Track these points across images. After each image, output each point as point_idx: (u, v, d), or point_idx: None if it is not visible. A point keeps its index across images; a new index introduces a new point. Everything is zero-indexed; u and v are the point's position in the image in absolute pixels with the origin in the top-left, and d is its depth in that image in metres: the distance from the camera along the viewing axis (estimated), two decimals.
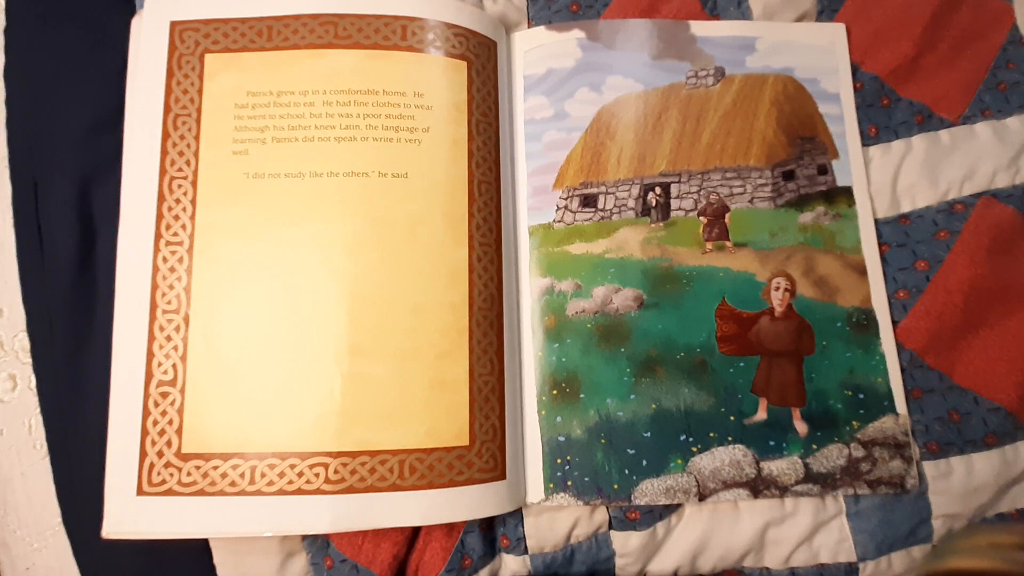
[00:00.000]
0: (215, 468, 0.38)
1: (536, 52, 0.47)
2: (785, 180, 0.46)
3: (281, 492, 0.38)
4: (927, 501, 0.43)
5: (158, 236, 0.41)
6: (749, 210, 0.46)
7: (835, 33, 0.49)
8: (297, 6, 0.43)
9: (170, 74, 0.43)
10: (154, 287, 0.40)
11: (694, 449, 0.42)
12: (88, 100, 0.44)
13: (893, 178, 0.47)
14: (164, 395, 0.39)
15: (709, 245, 0.45)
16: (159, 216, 0.41)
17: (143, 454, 0.38)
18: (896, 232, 0.46)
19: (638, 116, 0.47)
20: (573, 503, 0.41)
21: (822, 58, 0.48)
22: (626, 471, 0.41)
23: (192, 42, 0.43)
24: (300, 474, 0.38)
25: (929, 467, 0.43)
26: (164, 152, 0.42)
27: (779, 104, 0.47)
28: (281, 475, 0.38)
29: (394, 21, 0.44)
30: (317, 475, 0.38)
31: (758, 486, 0.42)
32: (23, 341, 0.42)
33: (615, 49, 0.47)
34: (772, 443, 0.42)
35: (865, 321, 0.44)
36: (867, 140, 0.48)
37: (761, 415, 0.43)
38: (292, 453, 0.38)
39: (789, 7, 0.49)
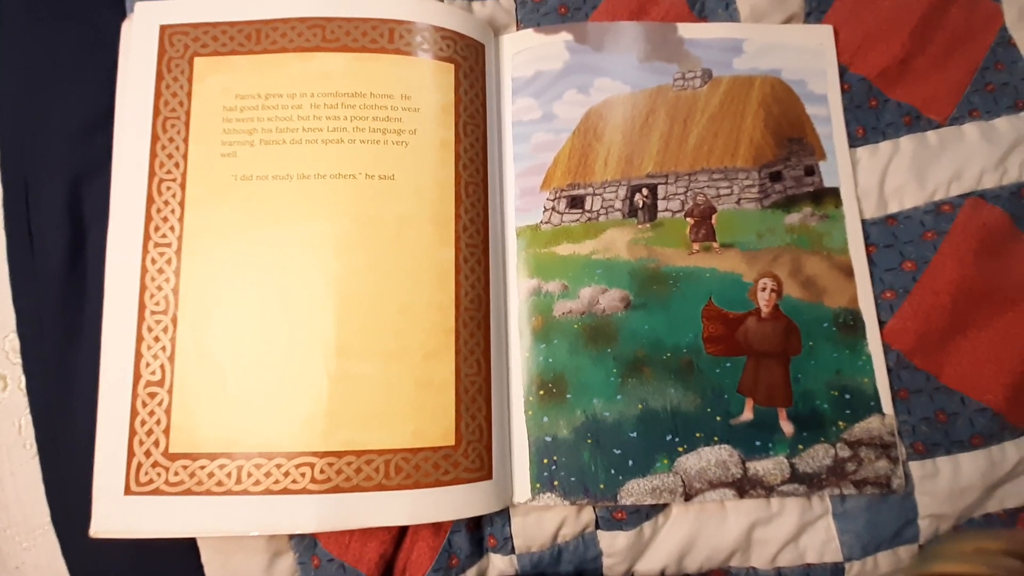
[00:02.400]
0: (202, 468, 0.38)
1: (524, 54, 0.48)
2: (772, 181, 0.46)
3: (268, 492, 0.38)
4: (913, 501, 0.43)
5: (147, 238, 0.41)
6: (736, 211, 0.46)
7: (823, 35, 0.49)
8: (285, 10, 0.44)
9: (159, 77, 0.43)
10: (143, 288, 0.40)
11: (680, 449, 0.42)
12: (79, 100, 0.45)
13: (880, 179, 0.47)
14: (152, 395, 0.39)
15: (696, 246, 0.45)
16: (148, 218, 0.41)
17: (131, 454, 0.39)
18: (883, 233, 0.46)
19: (625, 118, 0.47)
20: (560, 503, 0.41)
21: (810, 60, 0.48)
22: (612, 471, 0.42)
23: (181, 45, 0.43)
24: (286, 474, 0.38)
25: (915, 467, 0.43)
26: (153, 154, 0.42)
27: (766, 106, 0.47)
28: (267, 475, 0.38)
29: (382, 24, 0.44)
30: (303, 475, 0.38)
31: (744, 486, 0.42)
32: (13, 341, 0.43)
33: (603, 51, 0.48)
34: (758, 443, 0.42)
35: (852, 322, 0.44)
36: (855, 141, 0.48)
37: (747, 415, 0.43)
38: (278, 453, 0.39)
39: (777, 9, 0.49)
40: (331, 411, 0.39)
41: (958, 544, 0.40)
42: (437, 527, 0.42)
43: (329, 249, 0.41)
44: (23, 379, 0.43)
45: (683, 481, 0.42)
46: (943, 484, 0.43)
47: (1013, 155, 0.47)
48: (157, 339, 0.40)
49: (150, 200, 0.41)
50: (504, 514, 0.42)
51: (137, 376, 0.39)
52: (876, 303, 0.45)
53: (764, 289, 0.45)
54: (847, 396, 0.43)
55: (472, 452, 0.40)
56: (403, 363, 0.40)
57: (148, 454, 0.39)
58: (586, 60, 0.48)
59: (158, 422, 0.39)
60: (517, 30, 0.49)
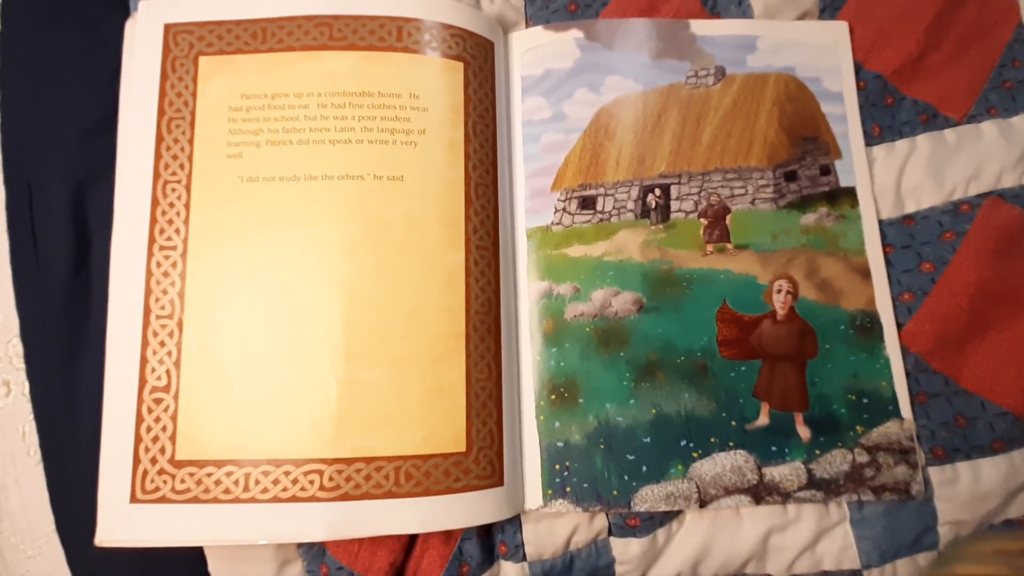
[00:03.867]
0: (209, 475, 0.38)
1: (534, 52, 0.47)
2: (787, 181, 0.46)
3: (276, 499, 0.38)
4: (933, 508, 0.42)
5: (152, 240, 0.40)
6: (750, 211, 0.45)
7: (837, 31, 0.48)
8: (292, 8, 0.43)
9: (164, 77, 0.42)
10: (148, 292, 0.40)
11: (695, 455, 0.41)
12: (82, 103, 0.44)
13: (897, 178, 0.46)
14: (158, 401, 0.39)
15: (710, 247, 0.45)
16: (153, 220, 0.41)
17: (136, 461, 0.38)
18: (901, 233, 0.45)
19: (637, 117, 0.46)
20: (572, 509, 0.41)
21: (824, 57, 0.47)
22: (625, 477, 0.41)
23: (186, 45, 0.43)
24: (295, 481, 0.38)
25: (935, 473, 0.42)
26: (158, 156, 0.41)
27: (781, 104, 0.47)
28: (275, 482, 0.38)
29: (390, 22, 0.43)
30: (312, 482, 0.38)
31: (760, 492, 0.41)
32: (17, 347, 0.42)
33: (614, 49, 0.47)
34: (774, 448, 0.42)
35: (869, 324, 0.43)
36: (871, 140, 0.47)
37: (763, 420, 0.42)
38: (287, 460, 0.38)
39: (791, 5, 0.48)
40: (340, 417, 0.38)
41: (977, 545, 0.39)
42: (447, 535, 0.41)
43: (337, 251, 0.40)
44: (27, 385, 0.42)
45: (698, 487, 0.41)
46: (963, 490, 0.42)
47: None
48: (163, 344, 0.39)
49: (155, 202, 0.41)
50: (515, 521, 0.42)
51: (143, 382, 0.39)
52: (894, 305, 0.44)
53: (779, 291, 0.44)
54: (865, 400, 0.42)
55: (483, 458, 0.40)
56: (412, 368, 0.39)
57: (154, 461, 0.38)
58: (597, 58, 0.47)
59: (164, 428, 0.38)
60: (526, 27, 0.48)
